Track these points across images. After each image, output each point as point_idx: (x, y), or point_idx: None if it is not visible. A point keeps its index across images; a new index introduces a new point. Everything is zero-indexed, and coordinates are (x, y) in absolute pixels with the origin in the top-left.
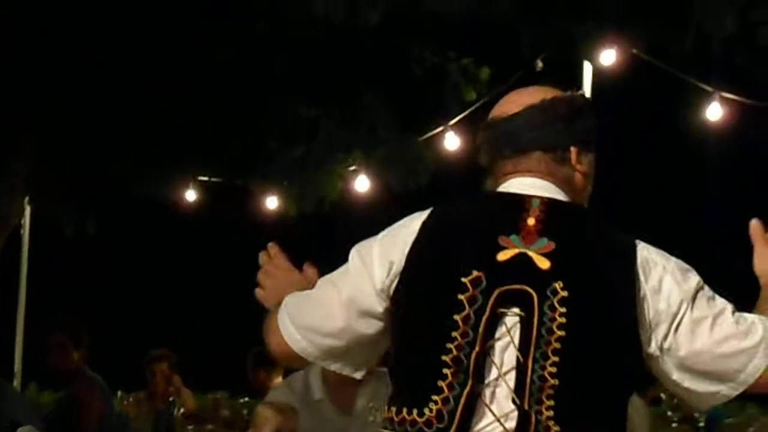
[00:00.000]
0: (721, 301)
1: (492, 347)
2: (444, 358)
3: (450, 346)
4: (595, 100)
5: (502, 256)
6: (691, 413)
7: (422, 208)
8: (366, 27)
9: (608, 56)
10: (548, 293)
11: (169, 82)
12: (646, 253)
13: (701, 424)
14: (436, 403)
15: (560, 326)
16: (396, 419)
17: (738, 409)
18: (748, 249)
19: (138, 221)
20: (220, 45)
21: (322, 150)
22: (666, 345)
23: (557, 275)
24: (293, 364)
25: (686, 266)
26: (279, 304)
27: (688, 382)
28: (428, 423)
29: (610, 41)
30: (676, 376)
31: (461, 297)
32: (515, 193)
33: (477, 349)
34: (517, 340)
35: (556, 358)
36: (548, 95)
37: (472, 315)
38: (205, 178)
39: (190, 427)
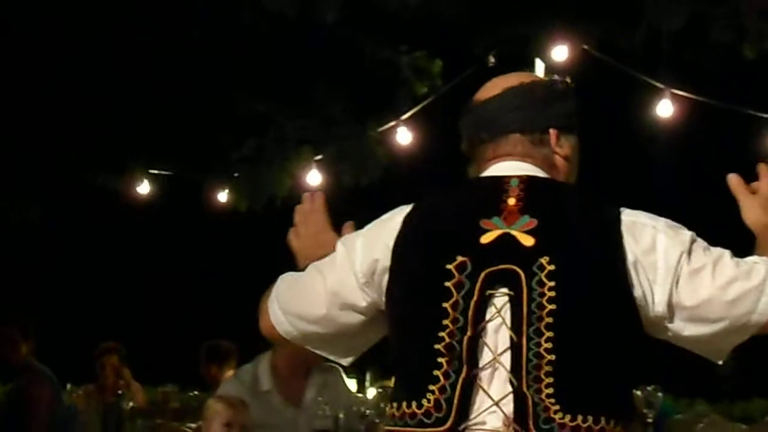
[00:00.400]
0: (717, 249)
1: (484, 330)
2: (437, 346)
3: (442, 334)
4: None
5: (485, 238)
6: (641, 410)
7: (374, 204)
8: (319, 21)
9: (559, 52)
10: (535, 269)
11: (121, 75)
12: (632, 217)
13: (650, 420)
14: (433, 393)
15: (550, 300)
16: (397, 414)
17: (687, 405)
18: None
19: (89, 213)
20: (174, 39)
21: (273, 145)
22: (672, 300)
23: (542, 251)
24: (282, 345)
25: (676, 224)
26: (303, 260)
27: (701, 334)
28: (427, 414)
29: (561, 37)
30: (687, 331)
31: (447, 284)
32: (494, 176)
33: (469, 333)
34: (508, 320)
35: (550, 334)
36: (527, 79)
37: (460, 300)
38: (157, 171)
39: (139, 421)
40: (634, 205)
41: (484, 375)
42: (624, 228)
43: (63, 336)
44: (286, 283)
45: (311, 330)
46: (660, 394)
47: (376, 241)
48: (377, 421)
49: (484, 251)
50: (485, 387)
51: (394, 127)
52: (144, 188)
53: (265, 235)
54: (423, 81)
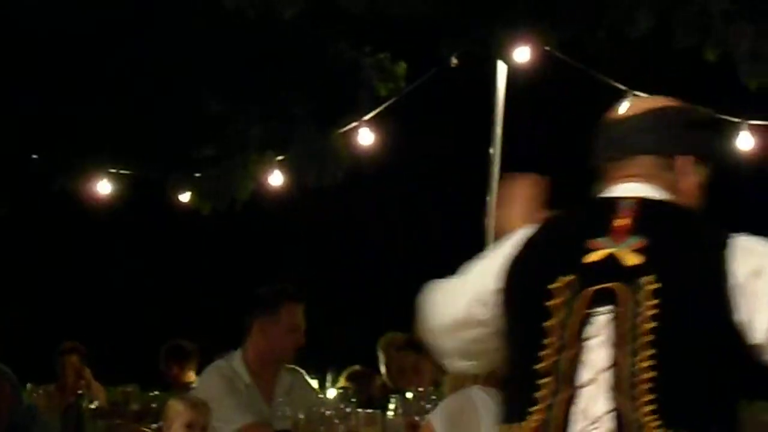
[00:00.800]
0: None
1: (584, 348)
2: (537, 366)
3: (542, 354)
4: (509, 97)
5: (590, 258)
6: None
7: (337, 205)
8: (281, 21)
9: (522, 54)
10: (639, 287)
11: (81, 74)
12: (743, 242)
13: None
14: (535, 413)
15: (653, 317)
16: None
17: None
18: None
19: (50, 213)
20: (134, 39)
21: (235, 146)
22: None
23: (648, 269)
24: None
25: None
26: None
27: None
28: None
29: (523, 39)
30: None
31: (548, 304)
32: (606, 197)
33: (569, 352)
34: (610, 338)
35: (651, 351)
36: (668, 103)
37: (561, 320)
38: (118, 171)
39: (99, 421)
40: None
41: (585, 393)
42: (732, 252)
43: (23, 336)
44: (435, 293)
45: (450, 344)
46: None
47: (496, 260)
48: (336, 421)
49: (588, 270)
50: (586, 405)
51: (356, 128)
52: (104, 188)
53: (227, 236)
54: (387, 82)
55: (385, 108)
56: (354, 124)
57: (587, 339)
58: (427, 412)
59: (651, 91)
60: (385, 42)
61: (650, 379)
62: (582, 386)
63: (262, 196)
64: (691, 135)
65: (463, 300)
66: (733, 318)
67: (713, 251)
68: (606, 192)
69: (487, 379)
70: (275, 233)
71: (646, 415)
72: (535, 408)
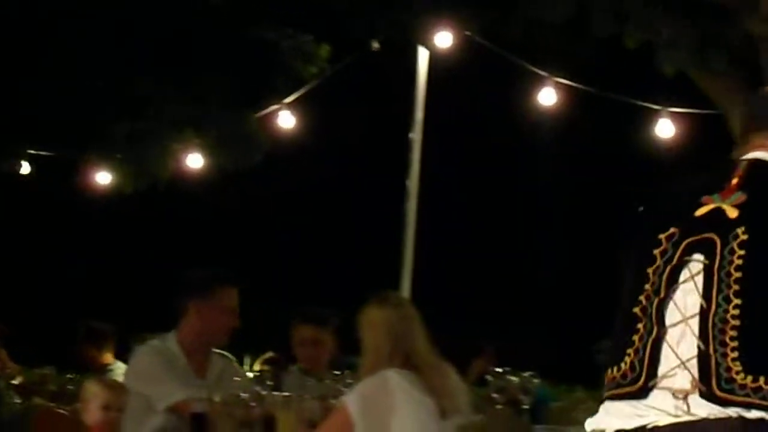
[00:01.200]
0: None
1: (675, 293)
2: (635, 310)
3: (641, 297)
4: (430, 82)
5: (700, 212)
6: (516, 396)
7: (256, 186)
8: (202, 1)
9: (443, 39)
10: (730, 238)
11: None
12: None
13: (526, 406)
14: (629, 355)
15: (738, 268)
16: (606, 380)
17: (565, 392)
18: (577, 228)
19: None
20: (52, 19)
21: (155, 127)
22: None
23: (741, 222)
24: None
25: None
26: None
27: None
28: (624, 375)
29: (445, 24)
30: None
31: (655, 252)
32: (731, 159)
33: (661, 295)
34: (700, 286)
35: (738, 301)
36: None
37: (661, 266)
38: (38, 152)
39: (17, 400)
40: (517, 190)
41: (673, 335)
42: None
43: None
44: None
45: None
46: (537, 380)
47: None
48: (253, 404)
49: (694, 222)
50: (674, 347)
51: (277, 111)
52: (25, 168)
53: (146, 216)
54: (310, 65)
55: (307, 91)
56: (275, 106)
57: (679, 284)
58: (343, 394)
59: (572, 77)
60: (308, 25)
61: (734, 327)
62: (671, 329)
63: (182, 178)
64: None
65: None
66: None
67: None
68: (739, 156)
69: (402, 362)
70: (194, 215)
71: (730, 360)
72: (630, 349)
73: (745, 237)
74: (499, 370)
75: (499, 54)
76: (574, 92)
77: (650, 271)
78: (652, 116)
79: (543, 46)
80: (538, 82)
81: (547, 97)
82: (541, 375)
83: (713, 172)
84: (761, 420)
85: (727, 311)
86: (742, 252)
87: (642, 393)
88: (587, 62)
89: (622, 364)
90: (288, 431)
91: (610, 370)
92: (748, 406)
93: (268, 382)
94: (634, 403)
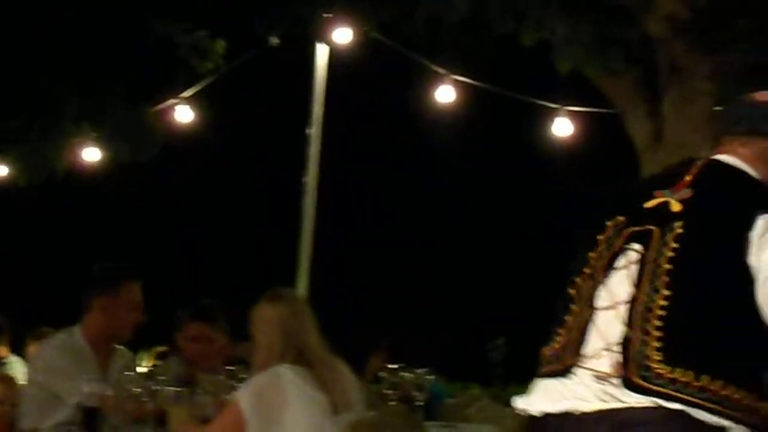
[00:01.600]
0: None
1: (610, 279)
2: (571, 291)
3: (578, 279)
4: (329, 78)
5: (648, 203)
6: (410, 393)
7: (153, 180)
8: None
9: (342, 35)
10: (667, 231)
11: None
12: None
13: (420, 403)
14: (560, 334)
15: (669, 260)
16: (540, 359)
17: (460, 389)
18: (475, 226)
19: None
20: None
21: (52, 120)
22: None
23: (681, 217)
24: None
25: None
26: None
27: None
28: (553, 353)
29: (344, 20)
30: None
31: (600, 237)
32: (691, 158)
33: (597, 279)
34: (634, 274)
35: (666, 292)
36: None
37: (603, 251)
38: None
39: None
40: (413, 186)
41: (603, 319)
42: (756, 231)
43: None
44: None
45: None
46: (431, 377)
47: None
48: (145, 399)
49: (641, 213)
50: (602, 330)
51: (174, 105)
52: None
53: (41, 210)
54: (206, 60)
55: (207, 86)
56: (172, 101)
57: (615, 270)
58: (236, 390)
59: (470, 75)
60: (204, 20)
61: (660, 317)
62: (601, 312)
63: (78, 171)
64: None
65: None
66: (748, 261)
67: (741, 223)
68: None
69: (295, 358)
70: (91, 209)
71: (651, 349)
72: (563, 329)
73: (680, 231)
74: (393, 366)
75: (398, 51)
76: (472, 90)
77: (591, 255)
78: (550, 115)
79: (442, 44)
80: (436, 79)
81: (446, 94)
82: (435, 372)
83: (672, 169)
84: (681, 412)
85: (654, 301)
86: (675, 245)
87: (566, 371)
88: (487, 60)
89: (553, 343)
90: (180, 426)
91: (544, 349)
92: (668, 397)
93: (160, 377)
94: (561, 380)
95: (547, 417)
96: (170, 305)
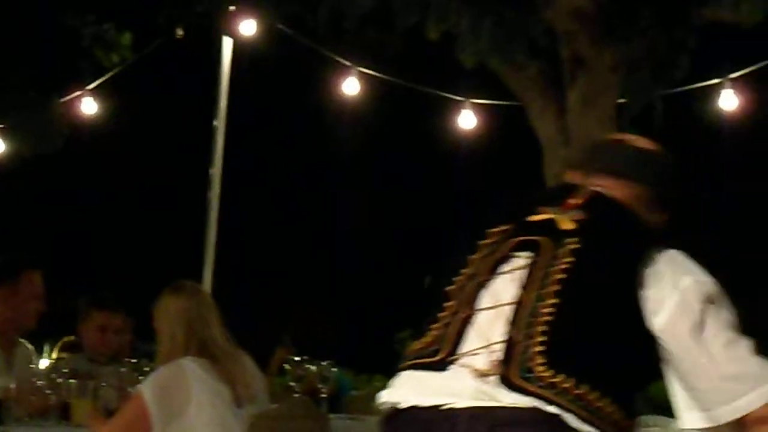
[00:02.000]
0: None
1: (495, 281)
2: (448, 288)
3: (457, 279)
4: (235, 70)
5: (534, 218)
6: (315, 385)
7: (56, 173)
8: None
9: (248, 27)
10: (562, 244)
11: None
12: (662, 266)
13: (324, 395)
14: (432, 330)
15: (563, 270)
16: (407, 352)
17: (365, 381)
18: (379, 218)
19: None
20: None
21: None
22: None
23: (576, 234)
24: None
25: (698, 298)
26: None
27: None
28: (425, 347)
29: (249, 13)
30: None
31: (481, 243)
32: (571, 183)
33: (479, 280)
34: (521, 278)
35: (555, 300)
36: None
37: (486, 255)
38: None
39: None
40: (320, 178)
41: (483, 316)
42: (649, 269)
43: None
44: None
45: None
46: (335, 369)
47: None
48: (48, 392)
49: (527, 225)
50: (482, 328)
51: (80, 97)
52: None
53: None
54: (111, 53)
55: (111, 78)
56: (77, 93)
57: (501, 273)
58: (140, 382)
59: (375, 67)
60: (111, 13)
61: (546, 322)
62: (482, 312)
63: None
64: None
65: None
66: (640, 309)
67: (633, 260)
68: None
69: (198, 350)
70: None
71: (534, 352)
72: (435, 325)
73: (576, 246)
74: (298, 359)
75: (304, 43)
76: (378, 82)
77: (472, 258)
78: (455, 107)
79: (349, 36)
80: (342, 71)
81: (351, 86)
82: (340, 364)
83: (552, 190)
84: (557, 417)
85: (542, 307)
86: (570, 259)
87: (441, 365)
88: (393, 52)
89: (425, 338)
90: (84, 419)
91: (414, 343)
92: (547, 400)
93: (64, 370)
94: (434, 374)
95: (416, 410)
96: (74, 297)
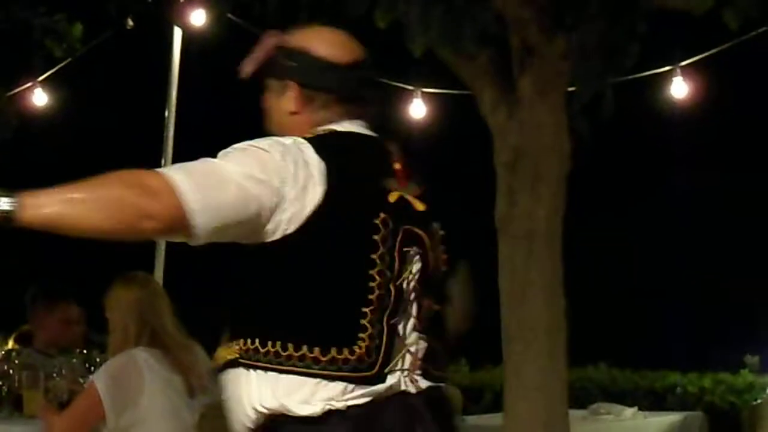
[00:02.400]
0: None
1: (402, 283)
2: (367, 296)
3: (372, 284)
4: (186, 60)
5: (391, 198)
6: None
7: (4, 164)
8: None
9: (198, 17)
10: (433, 234)
11: None
12: None
13: None
14: (363, 340)
15: (445, 262)
16: (324, 359)
17: None
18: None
19: None
20: None
21: None
22: None
23: (432, 216)
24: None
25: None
26: None
27: None
28: (360, 359)
29: (198, 2)
30: None
31: (376, 237)
32: (373, 137)
33: (394, 285)
34: (416, 275)
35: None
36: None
37: (385, 254)
38: None
39: None
40: None
41: (401, 323)
42: None
43: None
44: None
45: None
46: None
47: (309, 176)
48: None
49: (394, 210)
50: (401, 333)
51: (30, 89)
52: None
53: None
54: (61, 44)
55: (62, 70)
56: (27, 84)
57: (405, 273)
58: (92, 373)
59: None
60: (61, 4)
61: (429, 319)
62: (400, 317)
63: None
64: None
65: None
66: None
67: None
68: (339, 125)
69: (150, 341)
70: None
71: (441, 345)
72: (364, 334)
73: (443, 233)
74: None
75: (254, 32)
76: None
77: (375, 257)
78: (406, 97)
79: (298, 25)
80: None
81: None
82: None
83: (372, 150)
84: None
85: (431, 300)
86: (444, 247)
87: (378, 379)
88: None
89: (356, 348)
90: (35, 410)
91: (335, 349)
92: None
93: (16, 361)
94: (367, 388)
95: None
96: (24, 289)
